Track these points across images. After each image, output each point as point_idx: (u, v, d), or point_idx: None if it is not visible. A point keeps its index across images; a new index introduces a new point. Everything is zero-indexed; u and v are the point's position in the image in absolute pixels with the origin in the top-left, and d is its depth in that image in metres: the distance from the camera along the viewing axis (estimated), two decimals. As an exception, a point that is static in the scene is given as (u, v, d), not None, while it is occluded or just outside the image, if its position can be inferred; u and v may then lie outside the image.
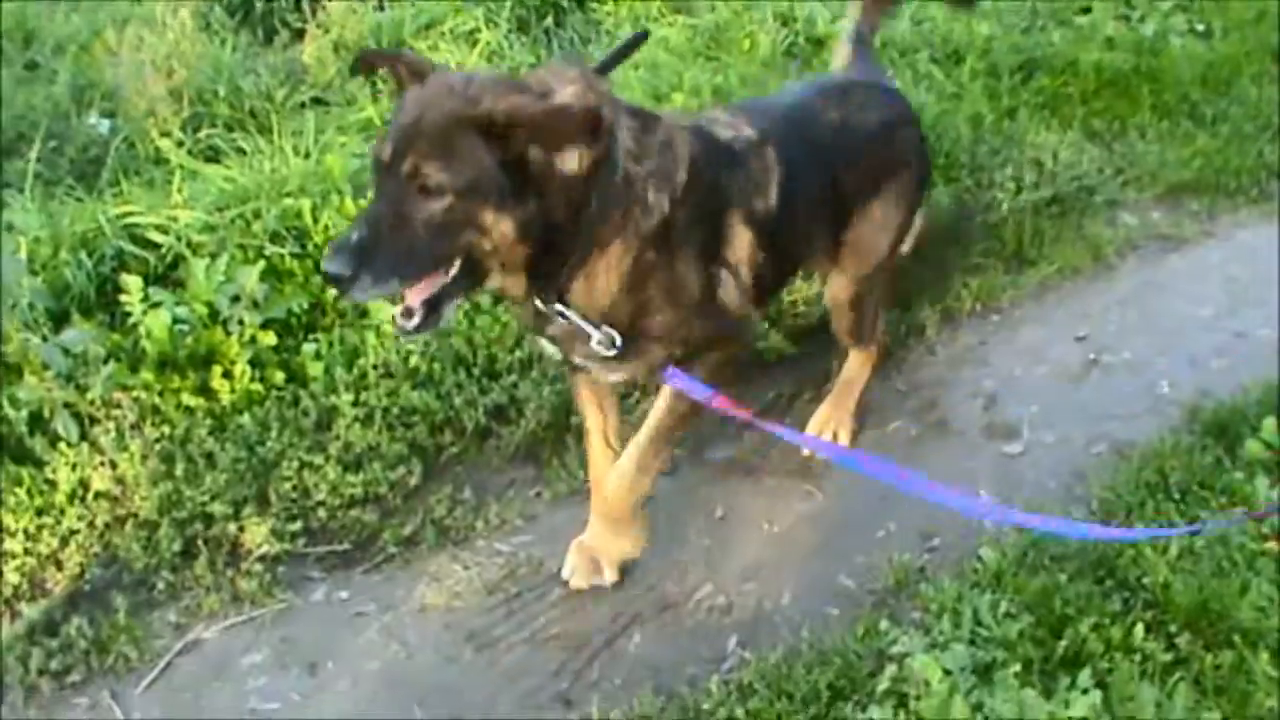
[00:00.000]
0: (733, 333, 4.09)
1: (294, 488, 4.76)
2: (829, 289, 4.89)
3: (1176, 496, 4.64)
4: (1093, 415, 5.26)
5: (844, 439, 5.13)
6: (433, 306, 3.44)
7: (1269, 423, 4.87)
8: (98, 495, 4.71)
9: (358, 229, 3.29)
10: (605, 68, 3.98)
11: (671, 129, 3.78)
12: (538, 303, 3.70)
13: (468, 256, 3.39)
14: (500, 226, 3.32)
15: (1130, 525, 4.51)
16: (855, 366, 5.16)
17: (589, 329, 3.71)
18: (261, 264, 5.51)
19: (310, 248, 5.74)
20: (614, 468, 4.31)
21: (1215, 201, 7.08)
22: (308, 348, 5.37)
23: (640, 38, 4.06)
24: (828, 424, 5.15)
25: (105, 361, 5.04)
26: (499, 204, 3.29)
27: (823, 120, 4.51)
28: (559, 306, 3.68)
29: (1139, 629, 4.02)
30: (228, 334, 5.21)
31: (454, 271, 3.40)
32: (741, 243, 4.01)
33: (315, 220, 5.81)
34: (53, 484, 4.71)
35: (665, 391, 4.10)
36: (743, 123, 4.16)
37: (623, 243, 3.64)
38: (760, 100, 5.17)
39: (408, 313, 3.45)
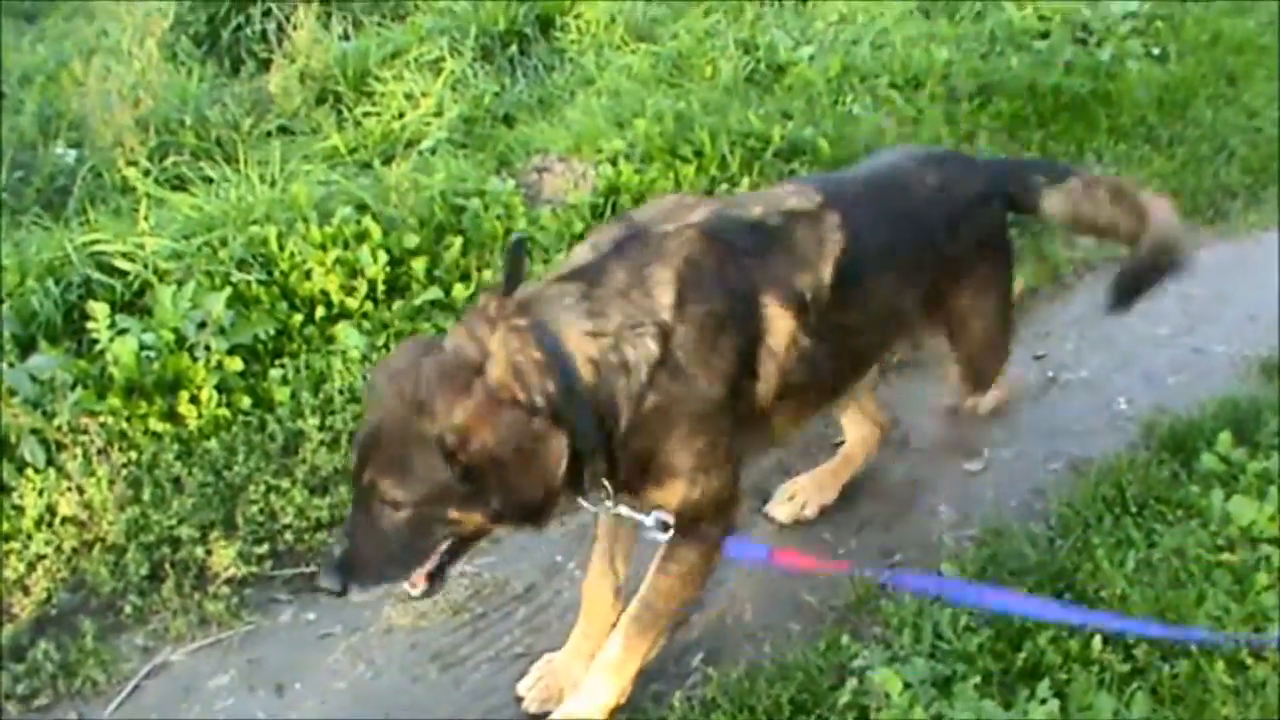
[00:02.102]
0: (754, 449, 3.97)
1: (261, 511, 4.78)
2: (946, 367, 4.65)
3: (1134, 510, 4.70)
4: (1051, 432, 5.32)
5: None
6: (436, 575, 3.45)
7: (1224, 437, 4.95)
8: (65, 520, 4.72)
9: (341, 540, 3.37)
10: (509, 283, 3.60)
11: (651, 245, 3.55)
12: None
13: (454, 536, 3.37)
14: (472, 518, 3.30)
15: (1087, 539, 4.56)
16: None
17: (640, 518, 3.61)
18: (228, 290, 5.56)
19: (276, 274, 5.79)
20: (600, 658, 3.88)
21: (1172, 222, 7.16)
22: (274, 373, 5.42)
23: (518, 245, 3.71)
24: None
25: (72, 388, 5.07)
26: (462, 505, 3.25)
27: (915, 186, 4.19)
28: (608, 503, 3.58)
29: (1097, 640, 4.06)
30: (194, 360, 5.24)
31: (446, 546, 3.39)
32: (779, 331, 3.67)
33: (281, 247, 5.85)
34: (20, 509, 4.72)
35: (671, 547, 3.77)
36: (810, 192, 3.90)
37: (625, 419, 3.44)
38: (849, 169, 4.74)
39: (413, 583, 3.45)
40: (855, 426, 4.97)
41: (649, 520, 3.60)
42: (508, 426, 3.18)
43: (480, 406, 3.18)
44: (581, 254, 3.63)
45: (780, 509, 4.86)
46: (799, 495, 4.88)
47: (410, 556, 3.35)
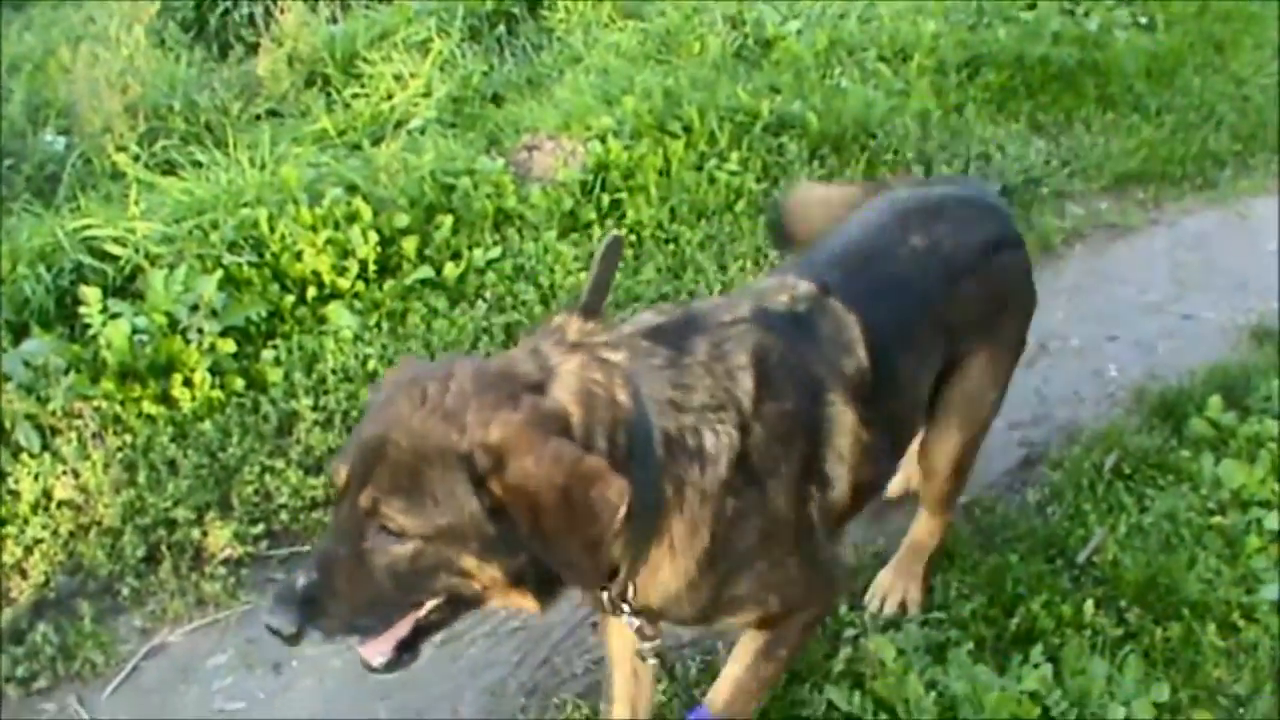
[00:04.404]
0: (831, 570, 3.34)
1: (256, 492, 4.79)
2: (927, 454, 3.98)
3: (1126, 473, 4.74)
4: (1042, 400, 5.34)
5: (913, 609, 4.21)
6: (408, 645, 2.76)
7: (1214, 401, 5.00)
8: (61, 504, 4.73)
9: (306, 570, 2.64)
10: (595, 300, 3.13)
11: (717, 328, 3.02)
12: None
13: (450, 595, 2.68)
14: (488, 572, 2.59)
15: (1079, 505, 4.59)
16: (929, 529, 4.31)
17: (645, 646, 3.09)
18: (219, 273, 5.56)
19: (267, 256, 5.80)
20: None
21: (1161, 190, 7.21)
22: (267, 354, 5.42)
23: (615, 244, 3.19)
24: (894, 590, 4.28)
25: (66, 372, 5.07)
26: (483, 551, 2.56)
27: (901, 249, 3.61)
28: (626, 614, 2.96)
29: (1089, 605, 4.11)
30: (187, 343, 5.24)
31: (432, 605, 2.71)
32: (845, 429, 3.19)
33: (272, 229, 5.85)
34: (15, 494, 4.73)
35: (756, 643, 3.33)
36: (793, 279, 3.37)
37: (686, 518, 2.85)
38: (819, 244, 3.82)
39: (377, 649, 2.77)
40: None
41: (646, 649, 3.09)
42: (555, 457, 2.50)
43: (525, 424, 2.52)
44: (646, 317, 3.07)
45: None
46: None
47: (393, 607, 2.66)
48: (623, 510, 2.53)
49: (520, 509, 2.48)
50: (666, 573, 2.91)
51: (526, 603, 2.68)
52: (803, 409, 3.08)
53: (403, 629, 2.70)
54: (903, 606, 4.24)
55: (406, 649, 2.74)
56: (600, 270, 3.17)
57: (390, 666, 2.75)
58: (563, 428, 2.59)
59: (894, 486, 4.58)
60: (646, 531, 2.77)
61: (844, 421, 3.17)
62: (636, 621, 2.97)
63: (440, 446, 2.51)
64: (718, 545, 2.91)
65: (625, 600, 2.91)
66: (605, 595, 2.91)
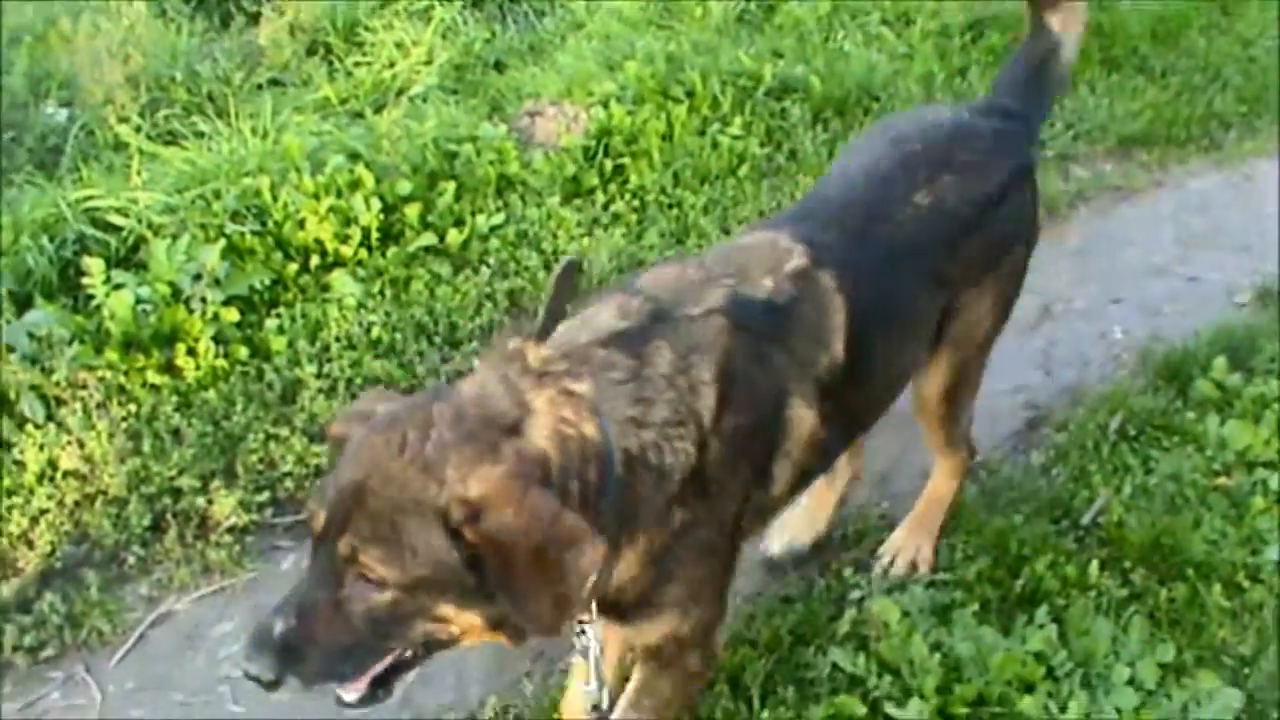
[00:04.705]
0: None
1: (260, 460, 4.79)
2: (918, 384, 3.91)
3: (1131, 435, 4.74)
4: (1047, 363, 5.34)
5: (924, 568, 4.23)
6: (382, 682, 2.71)
7: (1219, 362, 4.99)
8: (66, 474, 4.73)
9: (283, 616, 2.57)
10: (550, 325, 3.03)
11: (685, 325, 2.94)
12: None
13: (427, 639, 2.65)
14: (465, 618, 2.57)
15: (1084, 467, 4.59)
16: (944, 478, 4.29)
17: (592, 671, 3.04)
18: (222, 243, 5.55)
19: (270, 225, 5.79)
20: None
21: (1165, 152, 7.17)
22: (270, 323, 5.43)
23: (569, 269, 3.08)
24: (906, 548, 4.28)
25: (70, 343, 5.07)
26: (461, 600, 2.53)
27: (904, 207, 3.45)
28: (584, 626, 2.97)
29: (1094, 566, 4.12)
30: (190, 312, 5.24)
31: (409, 648, 2.68)
32: (801, 432, 3.14)
33: (274, 198, 5.84)
34: (21, 465, 4.74)
35: (647, 679, 3.24)
36: (786, 241, 3.23)
37: (638, 530, 2.83)
38: (820, 190, 3.72)
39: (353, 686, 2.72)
40: None
41: (590, 686, 3.06)
42: (535, 514, 2.45)
43: (507, 478, 2.46)
44: (607, 318, 2.96)
45: (775, 545, 4.36)
46: (788, 532, 4.37)
47: (372, 653, 2.63)
48: (594, 577, 2.55)
49: (492, 558, 2.43)
50: (618, 568, 2.85)
51: (502, 640, 2.65)
52: (761, 421, 3.03)
53: (378, 665, 2.66)
54: (913, 566, 4.23)
55: (381, 685, 2.70)
56: (555, 295, 3.09)
57: (365, 702, 2.71)
58: (543, 474, 2.54)
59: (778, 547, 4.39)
60: (610, 551, 2.67)
61: (801, 425, 3.11)
62: (594, 646, 2.99)
63: (418, 499, 2.46)
64: (660, 551, 2.88)
65: (584, 624, 2.94)
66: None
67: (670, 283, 3.07)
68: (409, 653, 2.66)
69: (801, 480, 3.29)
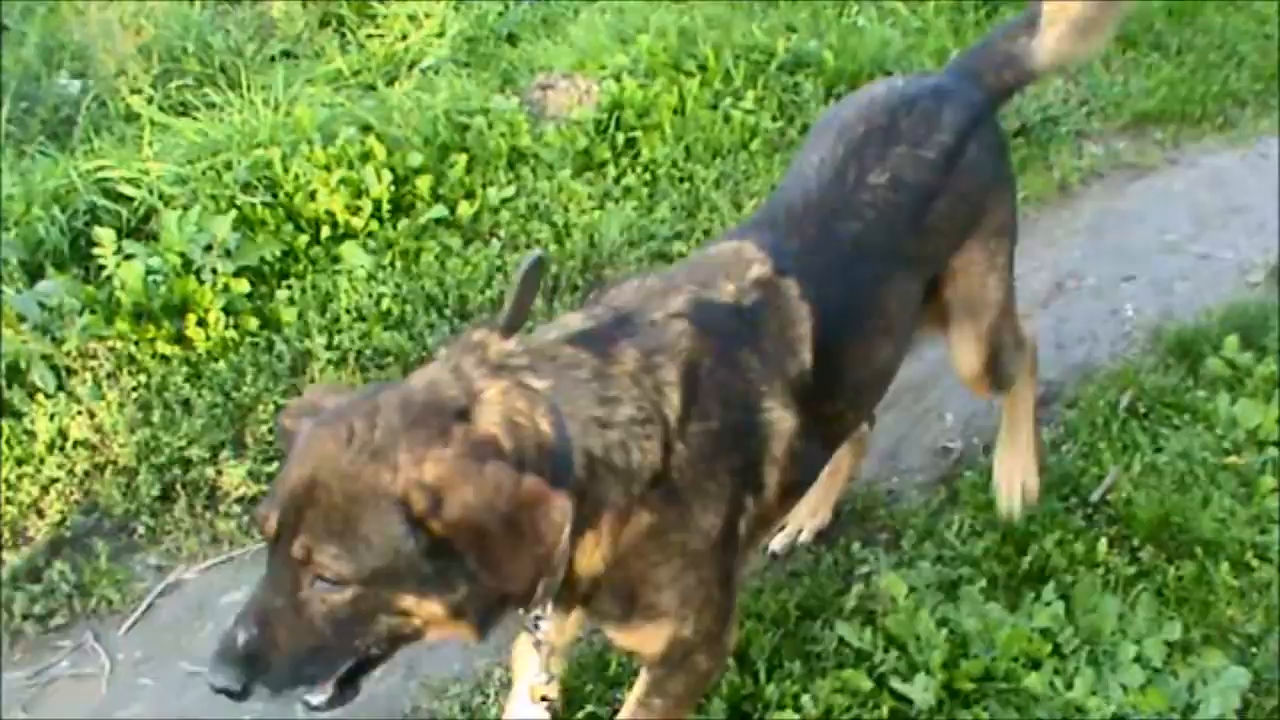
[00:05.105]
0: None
1: (270, 430, 4.79)
2: (954, 360, 3.90)
3: (1141, 412, 4.73)
4: (1058, 339, 5.32)
5: (1031, 498, 4.28)
6: (349, 681, 2.65)
7: (1231, 341, 4.97)
8: (76, 444, 4.75)
9: (245, 626, 2.51)
10: (515, 318, 2.96)
11: (649, 329, 2.91)
12: None
13: (391, 635, 2.59)
14: (426, 609, 2.50)
15: (1094, 443, 4.58)
16: (1016, 402, 4.31)
17: (541, 660, 3.01)
18: (233, 214, 5.56)
19: (281, 196, 5.80)
20: None
21: (1180, 130, 7.13)
22: (281, 294, 5.43)
23: (535, 265, 2.92)
24: (1014, 476, 4.31)
25: (80, 313, 5.08)
26: (420, 589, 2.46)
27: (861, 195, 3.37)
28: (541, 622, 2.90)
29: (1102, 543, 4.12)
30: (201, 283, 5.25)
31: (374, 645, 2.61)
32: (782, 434, 3.08)
33: (286, 170, 5.85)
34: (31, 434, 4.76)
35: (657, 680, 3.20)
36: (750, 251, 3.20)
37: (599, 536, 2.76)
38: (781, 195, 3.58)
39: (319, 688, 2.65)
40: None
41: (540, 678, 3.04)
42: (495, 486, 2.40)
43: (460, 459, 2.42)
44: (573, 320, 2.98)
45: (776, 542, 4.28)
46: (791, 524, 4.31)
47: (337, 655, 2.56)
48: (568, 527, 2.47)
49: (466, 542, 2.38)
50: (584, 561, 2.77)
51: (465, 633, 2.58)
52: (734, 423, 2.96)
53: (345, 666, 2.60)
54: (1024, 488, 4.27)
55: (348, 684, 2.64)
56: (521, 289, 2.99)
57: (331, 703, 2.65)
58: (495, 453, 2.48)
59: (780, 544, 4.32)
60: (564, 553, 2.64)
61: (781, 426, 3.05)
62: (547, 644, 2.93)
63: (373, 488, 2.40)
64: (632, 557, 2.83)
65: (539, 618, 2.86)
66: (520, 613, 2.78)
67: (632, 294, 3.05)
68: (373, 650, 2.59)
69: (796, 485, 3.24)
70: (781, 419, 3.04)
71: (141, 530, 4.53)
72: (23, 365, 4.94)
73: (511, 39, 8.18)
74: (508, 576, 2.44)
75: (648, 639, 3.04)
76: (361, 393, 2.66)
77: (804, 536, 4.31)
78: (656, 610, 2.95)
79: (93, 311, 5.14)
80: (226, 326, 5.19)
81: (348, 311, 5.32)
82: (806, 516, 4.32)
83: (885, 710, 3.59)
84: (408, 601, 2.47)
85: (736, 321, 3.04)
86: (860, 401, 3.54)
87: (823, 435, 3.29)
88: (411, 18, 8.12)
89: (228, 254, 5.36)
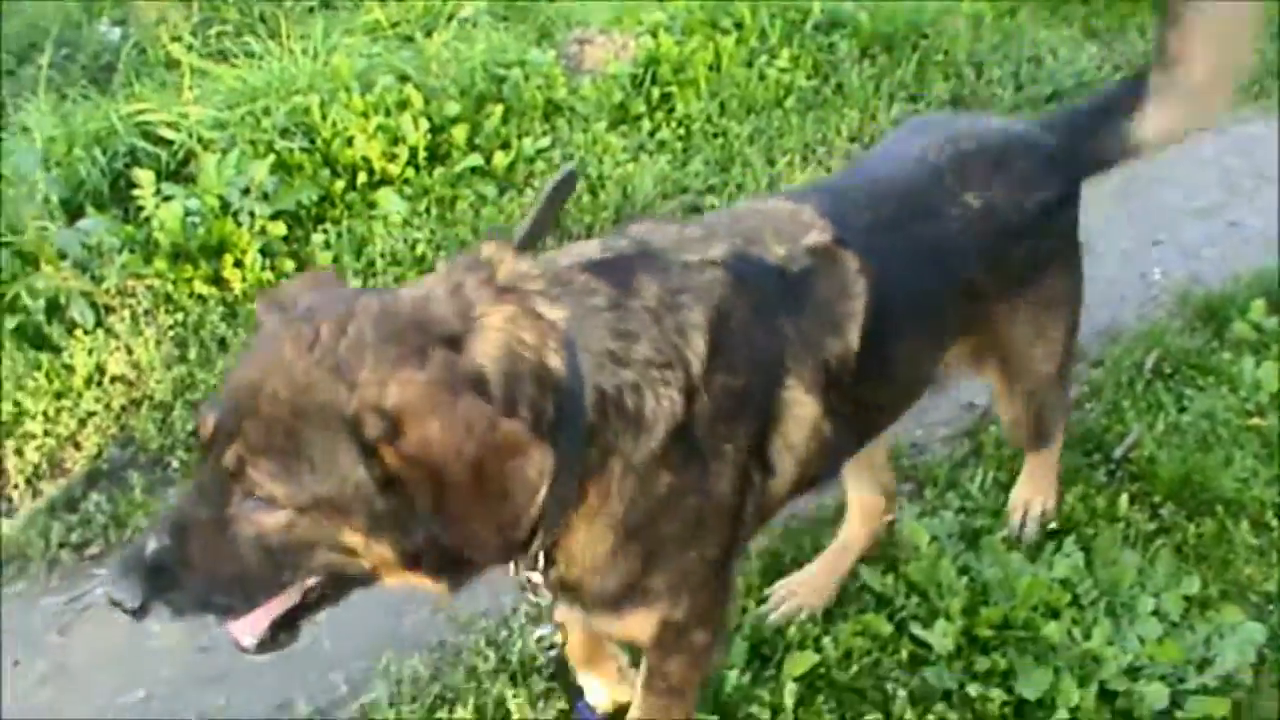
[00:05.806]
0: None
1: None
2: (999, 407, 3.82)
3: (1166, 373, 4.76)
4: (1086, 299, 5.33)
5: (805, 615, 3.78)
6: (286, 624, 2.35)
7: (1257, 304, 5.00)
8: (114, 379, 4.84)
9: (157, 535, 2.20)
10: (535, 234, 2.79)
11: (678, 270, 2.59)
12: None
13: (331, 574, 2.28)
14: (376, 551, 2.20)
15: (1118, 402, 4.61)
16: (1043, 450, 4.09)
17: (542, 625, 2.69)
18: (271, 158, 5.64)
19: (319, 142, 5.87)
20: None
21: (1213, 96, 7.10)
22: (316, 238, 5.51)
23: (570, 178, 2.66)
24: (1033, 505, 4.11)
25: (119, 251, 5.16)
26: (371, 528, 2.16)
27: (952, 206, 3.15)
28: (529, 576, 2.53)
29: (1124, 499, 4.14)
30: (238, 225, 5.32)
31: (311, 584, 2.30)
32: (801, 420, 2.77)
33: (324, 117, 5.92)
34: (70, 369, 4.84)
35: (656, 663, 2.98)
36: (809, 215, 2.91)
37: (611, 490, 2.46)
38: (856, 171, 3.50)
39: (248, 628, 2.35)
40: (859, 488, 3.92)
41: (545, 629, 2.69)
42: (466, 423, 2.07)
43: (430, 385, 2.09)
44: (591, 248, 2.66)
45: (775, 615, 3.82)
46: (792, 600, 3.87)
47: (261, 586, 2.25)
48: (543, 490, 2.13)
49: (419, 483, 2.07)
50: (582, 543, 2.50)
51: (430, 585, 2.30)
52: (754, 387, 2.65)
53: (278, 606, 2.31)
54: (1043, 512, 4.12)
55: (284, 628, 2.34)
56: (547, 203, 2.82)
57: (264, 647, 2.35)
58: (478, 388, 2.16)
59: (780, 618, 3.83)
60: (566, 502, 2.37)
61: (798, 410, 2.74)
62: (545, 599, 2.57)
63: (322, 404, 2.09)
64: (642, 521, 2.52)
65: (538, 571, 2.51)
66: (513, 567, 2.48)
67: (667, 234, 2.73)
68: (316, 593, 2.31)
69: (805, 481, 2.94)
70: (800, 402, 2.74)
71: (175, 464, 4.60)
72: (62, 301, 5.01)
73: (549, -7, 8.22)
74: (464, 535, 2.14)
75: (636, 626, 2.78)
76: (340, 295, 2.32)
77: (803, 615, 3.81)
78: (649, 592, 2.66)
79: (131, 250, 5.21)
80: (263, 268, 5.25)
81: (382, 256, 5.38)
82: (809, 594, 3.87)
83: (904, 654, 3.63)
84: (354, 539, 2.17)
85: (780, 284, 2.75)
86: (895, 402, 3.28)
87: (851, 426, 2.98)
88: (450, -30, 8.16)
89: (265, 197, 5.44)
